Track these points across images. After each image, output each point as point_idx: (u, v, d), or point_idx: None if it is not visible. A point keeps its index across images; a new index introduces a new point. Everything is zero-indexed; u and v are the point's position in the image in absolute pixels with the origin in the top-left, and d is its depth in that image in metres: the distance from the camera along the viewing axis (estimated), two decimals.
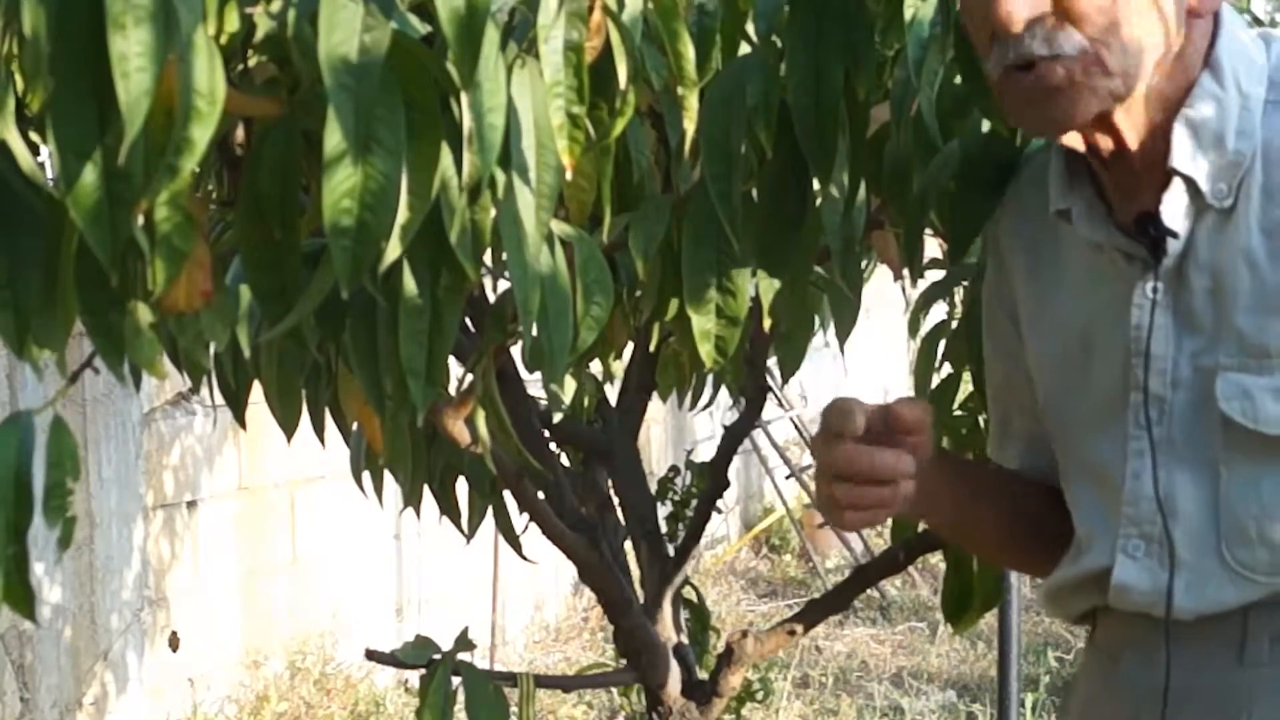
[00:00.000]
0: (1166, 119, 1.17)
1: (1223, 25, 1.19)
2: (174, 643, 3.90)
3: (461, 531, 1.95)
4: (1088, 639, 1.34)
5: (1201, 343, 1.18)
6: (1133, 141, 1.18)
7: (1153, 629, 1.21)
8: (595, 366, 1.90)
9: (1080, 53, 1.12)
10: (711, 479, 2.01)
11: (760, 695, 2.53)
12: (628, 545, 1.95)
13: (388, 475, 1.85)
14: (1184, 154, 1.16)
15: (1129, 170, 1.20)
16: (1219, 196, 1.16)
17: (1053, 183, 1.24)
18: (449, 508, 1.90)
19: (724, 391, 2.07)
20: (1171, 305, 1.19)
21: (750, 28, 1.36)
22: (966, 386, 1.67)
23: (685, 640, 1.98)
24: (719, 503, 2.02)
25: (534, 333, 1.05)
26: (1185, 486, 1.19)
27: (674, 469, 2.50)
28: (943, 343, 1.78)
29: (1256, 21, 2.46)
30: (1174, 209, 1.17)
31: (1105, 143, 1.19)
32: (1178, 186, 1.17)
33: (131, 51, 0.77)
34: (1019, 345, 1.35)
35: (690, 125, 1.19)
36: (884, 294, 3.12)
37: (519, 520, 1.88)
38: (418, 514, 1.85)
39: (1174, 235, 1.17)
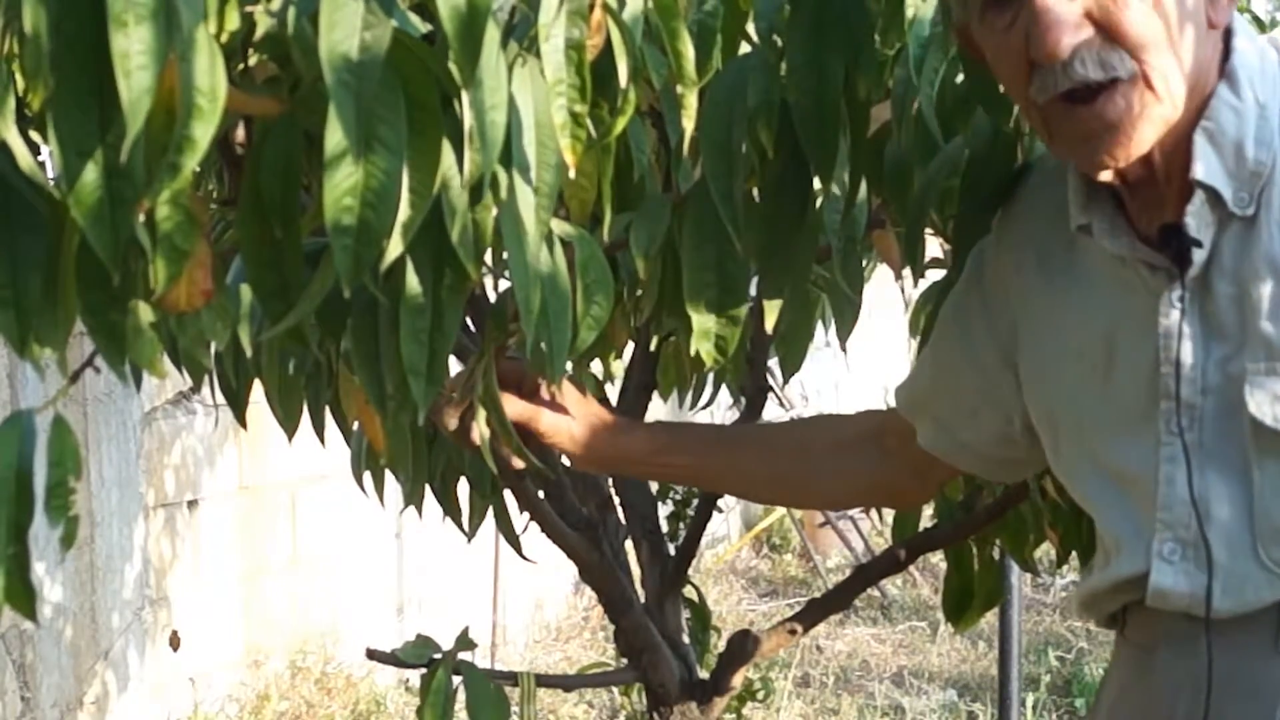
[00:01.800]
0: (1186, 131, 1.17)
1: (1236, 36, 1.20)
2: (175, 642, 3.90)
3: (463, 531, 1.95)
4: (1118, 633, 1.34)
5: (1229, 349, 1.19)
6: (1159, 160, 1.19)
7: (1190, 624, 1.22)
8: (595, 366, 1.90)
9: (1132, 76, 1.13)
10: None
11: (761, 694, 2.53)
12: (629, 545, 1.95)
13: (388, 474, 1.85)
14: (1205, 165, 1.16)
15: (1152, 185, 1.20)
16: (1241, 205, 1.17)
17: (1072, 199, 1.25)
18: (450, 507, 1.90)
19: (725, 391, 2.07)
20: (1198, 313, 1.19)
21: (751, 27, 1.36)
22: None
23: (686, 639, 1.98)
24: (720, 502, 2.01)
25: (534, 332, 1.05)
26: (1219, 490, 1.20)
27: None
28: None
29: (1256, 21, 2.46)
30: (1197, 219, 1.17)
31: (1136, 167, 1.19)
32: (1200, 197, 1.17)
33: (133, 50, 0.77)
34: (989, 348, 1.36)
35: (690, 124, 1.19)
36: (884, 294, 3.11)
37: (520, 520, 1.88)
38: (419, 513, 1.85)
39: (1199, 245, 1.17)
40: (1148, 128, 1.15)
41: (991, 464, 1.44)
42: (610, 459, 1.53)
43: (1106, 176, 1.20)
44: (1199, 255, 1.18)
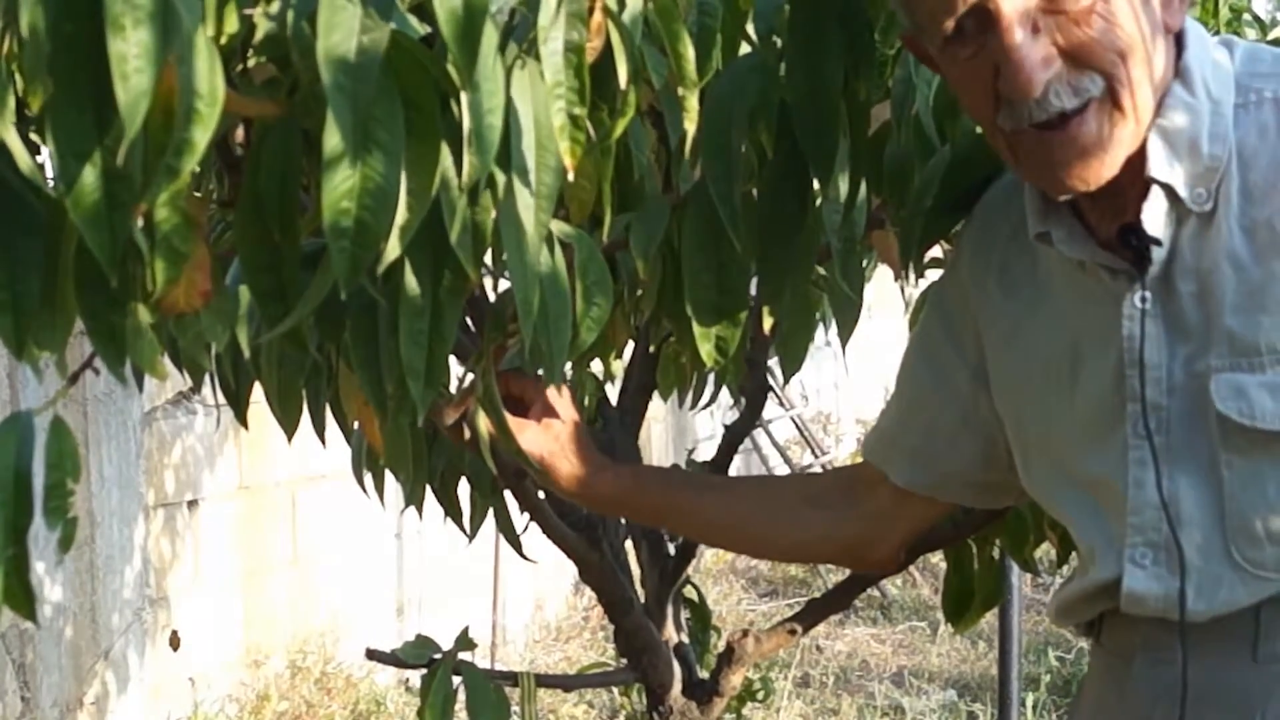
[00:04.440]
0: (1143, 132, 1.17)
1: (1188, 33, 1.20)
2: (175, 642, 3.90)
3: (464, 531, 1.95)
4: (1093, 642, 1.34)
5: (1193, 347, 1.18)
6: (1122, 165, 1.18)
7: (1165, 631, 1.21)
8: (596, 366, 1.90)
9: (1103, 93, 1.13)
10: None
11: (761, 695, 2.53)
12: (628, 545, 1.95)
13: (388, 474, 1.85)
14: (1161, 162, 1.16)
15: (1114, 190, 1.20)
16: (1198, 201, 1.17)
17: (1029, 209, 1.24)
18: (450, 507, 1.90)
19: (725, 391, 2.07)
20: (1161, 313, 1.19)
21: (750, 28, 1.36)
22: None
23: (686, 640, 1.98)
24: None
25: (533, 333, 1.05)
26: (1188, 491, 1.19)
27: (675, 468, 2.49)
28: None
29: (1257, 21, 2.46)
30: (1155, 217, 1.17)
31: None
32: (1157, 195, 1.17)
33: (130, 52, 0.77)
34: (959, 373, 1.36)
35: (690, 125, 1.19)
36: (884, 294, 3.12)
37: (520, 520, 1.88)
38: (419, 513, 1.85)
39: (1158, 243, 1.17)
40: (1118, 149, 1.15)
41: (974, 490, 1.42)
42: (574, 497, 1.54)
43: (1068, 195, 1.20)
44: (1159, 254, 1.18)
